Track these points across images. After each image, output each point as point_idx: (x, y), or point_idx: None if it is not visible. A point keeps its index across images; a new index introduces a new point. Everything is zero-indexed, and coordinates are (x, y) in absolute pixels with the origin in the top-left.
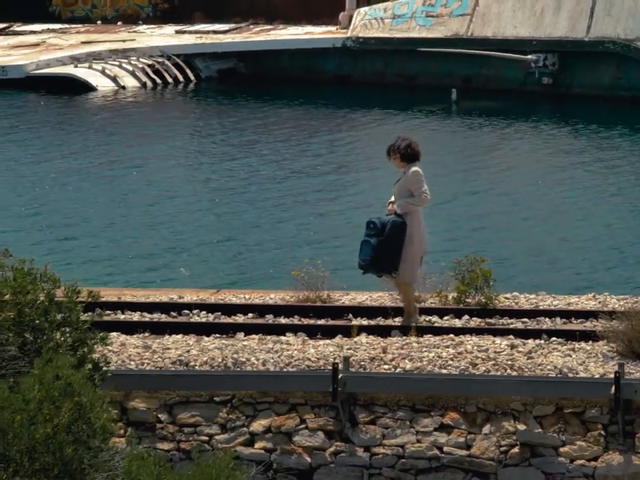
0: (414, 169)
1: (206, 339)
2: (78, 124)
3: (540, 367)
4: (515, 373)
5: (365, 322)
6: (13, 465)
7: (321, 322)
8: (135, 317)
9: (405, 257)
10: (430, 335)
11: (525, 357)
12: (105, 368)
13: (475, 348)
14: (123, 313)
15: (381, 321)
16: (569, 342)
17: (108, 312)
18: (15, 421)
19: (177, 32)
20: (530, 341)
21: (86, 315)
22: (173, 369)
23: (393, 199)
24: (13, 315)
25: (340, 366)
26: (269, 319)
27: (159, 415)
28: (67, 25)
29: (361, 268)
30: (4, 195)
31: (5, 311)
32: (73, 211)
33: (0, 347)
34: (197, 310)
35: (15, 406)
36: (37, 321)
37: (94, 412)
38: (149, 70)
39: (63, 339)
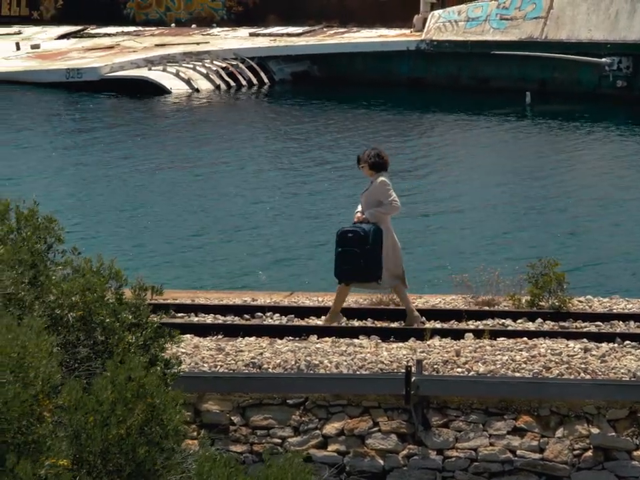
0: (381, 179)
1: (279, 341)
2: (152, 126)
3: (613, 371)
4: (588, 377)
5: (438, 325)
6: (86, 466)
7: (394, 325)
8: (209, 319)
9: (388, 262)
10: (503, 338)
11: (599, 361)
12: (176, 368)
13: (549, 351)
14: (196, 316)
15: (454, 324)
16: None
17: (181, 314)
18: (88, 422)
19: (251, 35)
20: (603, 344)
21: (156, 315)
22: (246, 371)
23: (359, 208)
24: (83, 314)
25: (413, 369)
26: (342, 321)
27: (232, 417)
28: (141, 28)
29: (346, 278)
30: (80, 196)
31: (75, 310)
32: (147, 213)
33: (72, 348)
34: (270, 312)
35: (88, 407)
36: (107, 321)
37: (167, 414)
38: (222, 73)
39: (133, 338)
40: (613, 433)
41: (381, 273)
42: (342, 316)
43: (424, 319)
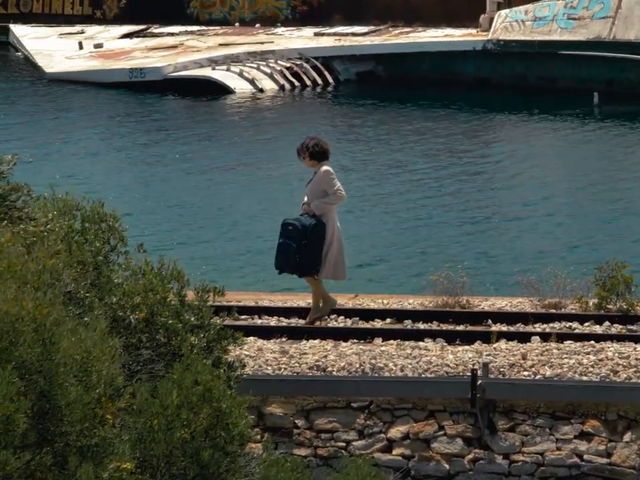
0: (324, 168)
1: (343, 344)
2: (217, 126)
3: None
4: None
5: (504, 328)
6: (149, 470)
7: (460, 328)
8: (272, 321)
9: (331, 254)
10: (570, 342)
11: None
12: (239, 370)
13: (616, 355)
14: (260, 318)
15: (520, 327)
16: None
17: (245, 316)
18: (152, 426)
19: (316, 34)
20: None
21: (219, 317)
22: (310, 374)
23: (306, 199)
24: (145, 315)
25: (479, 372)
26: (407, 324)
27: (296, 421)
28: (204, 27)
29: (281, 270)
30: (144, 197)
31: (137, 312)
32: (213, 214)
33: (134, 350)
34: (335, 315)
35: (152, 410)
36: (170, 322)
37: (232, 418)
38: (287, 72)
39: (196, 340)
40: None
41: (319, 267)
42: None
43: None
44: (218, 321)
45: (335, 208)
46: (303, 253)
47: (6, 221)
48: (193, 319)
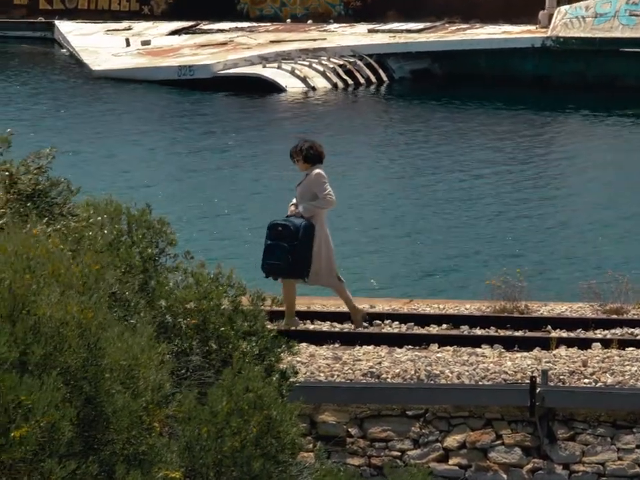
0: (316, 171)
1: (398, 350)
2: (268, 126)
3: None
4: None
5: (564, 334)
6: (199, 478)
7: (518, 333)
8: (325, 326)
9: (319, 259)
10: (632, 348)
11: None
12: (292, 378)
13: None
14: (312, 323)
15: (581, 333)
16: None
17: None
18: (201, 434)
19: (370, 31)
20: None
21: (273, 324)
22: (364, 381)
23: (294, 201)
24: (197, 322)
25: (538, 380)
26: (464, 330)
27: (349, 429)
28: (255, 24)
29: (271, 272)
30: (196, 198)
31: (189, 318)
32: (264, 217)
33: (184, 356)
34: (389, 320)
35: (201, 418)
36: (222, 329)
37: (283, 426)
38: (340, 70)
39: (249, 347)
40: None
41: (308, 270)
42: (298, 320)
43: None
44: (272, 327)
45: (325, 212)
46: (296, 254)
47: (47, 218)
48: (245, 324)
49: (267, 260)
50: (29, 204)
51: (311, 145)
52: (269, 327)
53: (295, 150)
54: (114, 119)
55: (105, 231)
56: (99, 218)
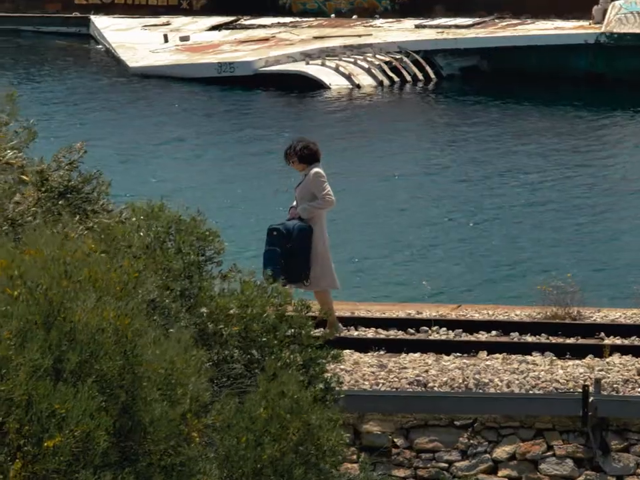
0: (315, 170)
1: (445, 357)
2: (312, 125)
3: None
4: None
5: (618, 341)
6: None
7: (570, 341)
8: (370, 333)
9: (320, 262)
10: None
11: None
12: (337, 388)
13: None
14: (356, 329)
15: (635, 340)
16: None
17: (340, 328)
18: (239, 442)
19: (417, 26)
20: None
21: (317, 331)
22: (410, 390)
23: (294, 203)
24: (239, 330)
25: (591, 389)
26: (514, 336)
27: (395, 440)
28: (298, 19)
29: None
30: (238, 200)
31: (231, 325)
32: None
33: (225, 364)
34: (437, 326)
35: (240, 425)
36: (265, 338)
37: (323, 432)
38: (386, 67)
39: (292, 357)
40: None
41: (308, 273)
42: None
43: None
44: (317, 334)
45: (324, 214)
46: (289, 258)
47: (79, 216)
48: (290, 331)
49: (265, 267)
50: (60, 201)
51: (305, 144)
52: (313, 336)
53: (289, 150)
54: (152, 118)
55: (142, 233)
56: (134, 219)
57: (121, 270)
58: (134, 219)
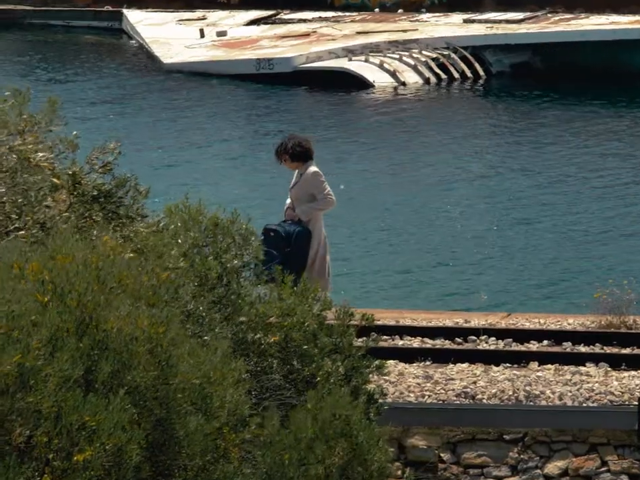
0: (312, 169)
1: (495, 368)
2: (355, 125)
3: None
4: None
5: None
6: None
7: (626, 351)
8: (415, 342)
9: (316, 263)
10: None
11: None
12: (380, 400)
13: None
14: (401, 339)
15: None
16: None
17: (385, 337)
18: (283, 460)
19: (465, 21)
20: None
21: (360, 340)
22: (458, 402)
23: (288, 201)
24: (278, 339)
25: None
26: (567, 346)
27: (442, 454)
28: (340, 13)
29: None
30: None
31: (270, 334)
32: (353, 228)
33: (263, 375)
34: (485, 336)
35: (284, 443)
36: (305, 347)
37: (370, 453)
38: (432, 64)
39: (334, 367)
40: None
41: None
42: None
43: None
44: (361, 345)
45: (321, 214)
46: (287, 262)
47: (113, 222)
48: (332, 339)
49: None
50: (94, 206)
51: (297, 141)
52: (356, 344)
53: (280, 148)
54: (189, 117)
55: (180, 240)
56: (172, 226)
57: (156, 278)
58: (172, 226)
